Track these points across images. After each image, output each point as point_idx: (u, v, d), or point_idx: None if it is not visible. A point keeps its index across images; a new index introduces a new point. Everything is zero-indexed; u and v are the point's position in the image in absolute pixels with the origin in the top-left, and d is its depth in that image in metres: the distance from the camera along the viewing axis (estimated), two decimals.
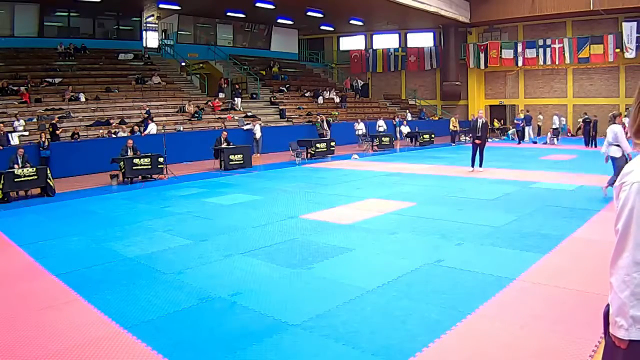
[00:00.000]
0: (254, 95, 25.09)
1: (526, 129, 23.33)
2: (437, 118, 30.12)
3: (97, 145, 15.62)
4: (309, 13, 25.52)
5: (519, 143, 22.52)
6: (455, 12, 26.53)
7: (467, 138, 22.39)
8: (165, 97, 21.38)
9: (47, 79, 19.21)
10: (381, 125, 23.94)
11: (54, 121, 16.04)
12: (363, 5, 25.55)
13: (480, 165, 13.12)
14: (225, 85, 24.51)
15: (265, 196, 10.37)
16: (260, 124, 20.44)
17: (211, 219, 8.32)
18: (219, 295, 4.76)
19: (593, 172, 12.31)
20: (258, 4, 22.84)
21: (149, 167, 13.32)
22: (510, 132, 25.49)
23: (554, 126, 21.71)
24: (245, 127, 20.05)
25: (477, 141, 13.12)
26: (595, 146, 19.68)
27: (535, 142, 22.70)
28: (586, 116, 21.02)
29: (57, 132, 15.62)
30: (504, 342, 3.68)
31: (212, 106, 21.96)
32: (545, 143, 21.83)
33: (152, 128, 17.39)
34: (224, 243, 6.70)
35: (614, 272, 1.76)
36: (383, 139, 21.11)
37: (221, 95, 23.71)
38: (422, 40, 32.31)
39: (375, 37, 33.87)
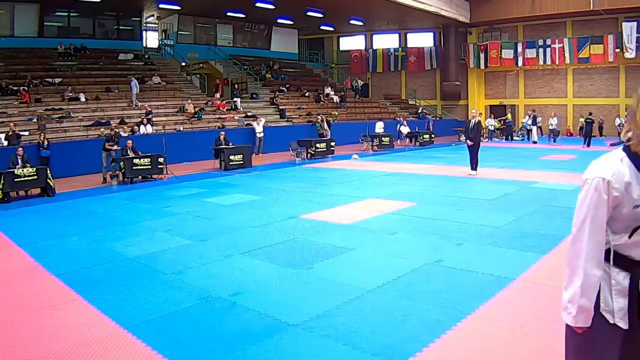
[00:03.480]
0: (254, 95, 25.09)
1: (533, 129, 23.44)
2: (437, 118, 30.11)
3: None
4: (309, 13, 25.51)
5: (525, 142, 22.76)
6: (455, 12, 26.52)
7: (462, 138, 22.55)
8: (165, 97, 21.38)
9: (47, 79, 19.21)
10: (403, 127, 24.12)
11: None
12: (363, 5, 25.54)
13: (474, 168, 12.62)
14: (220, 84, 24.52)
15: (265, 196, 10.37)
16: (263, 122, 20.30)
17: (211, 219, 8.32)
18: (219, 295, 4.76)
19: None
20: (258, 4, 22.83)
21: (149, 167, 13.31)
22: (519, 132, 25.78)
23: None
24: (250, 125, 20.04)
25: (469, 142, 12.60)
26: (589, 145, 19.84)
27: (535, 142, 22.74)
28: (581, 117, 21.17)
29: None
30: (504, 342, 3.68)
31: (216, 106, 21.92)
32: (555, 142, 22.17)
33: (144, 128, 17.46)
34: (224, 243, 6.70)
35: (568, 263, 1.91)
36: (383, 139, 21.11)
37: (217, 95, 23.69)
38: (422, 40, 32.30)
39: (375, 37, 33.87)
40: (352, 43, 34.58)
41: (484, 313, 4.17)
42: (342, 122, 25.06)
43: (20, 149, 11.93)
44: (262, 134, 19.73)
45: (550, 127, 22.81)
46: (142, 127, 17.48)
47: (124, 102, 19.66)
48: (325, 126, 21.95)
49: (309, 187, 11.42)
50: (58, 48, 21.08)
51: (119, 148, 13.51)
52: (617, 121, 21.51)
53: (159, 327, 4.10)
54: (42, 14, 21.59)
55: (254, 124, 19.91)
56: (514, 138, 25.38)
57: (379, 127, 23.23)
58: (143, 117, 18.20)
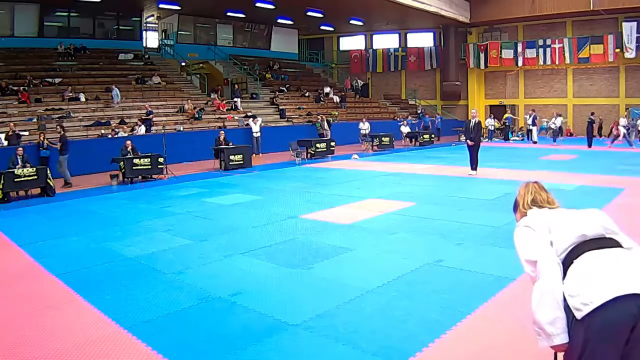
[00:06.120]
0: (254, 95, 25.09)
1: (533, 129, 23.46)
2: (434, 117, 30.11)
3: (97, 145, 15.61)
4: (309, 13, 25.52)
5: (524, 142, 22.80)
6: (455, 12, 26.52)
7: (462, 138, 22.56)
8: (165, 97, 21.38)
9: (47, 79, 19.21)
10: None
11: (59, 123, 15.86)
12: (363, 5, 25.54)
13: (474, 168, 12.58)
14: (220, 89, 24.52)
15: (265, 196, 10.37)
16: (260, 122, 20.29)
17: (211, 219, 8.32)
18: (219, 295, 4.76)
19: (593, 172, 12.31)
20: (258, 4, 22.84)
21: (149, 167, 13.31)
22: (518, 132, 25.82)
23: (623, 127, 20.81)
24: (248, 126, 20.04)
25: (469, 142, 12.54)
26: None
27: (535, 142, 22.74)
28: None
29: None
30: (504, 342, 3.68)
31: (216, 106, 21.90)
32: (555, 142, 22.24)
33: (140, 129, 17.47)
34: (224, 243, 6.69)
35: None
36: (383, 139, 21.11)
37: (212, 95, 23.70)
38: (422, 40, 32.31)
39: (375, 37, 33.88)
40: (352, 43, 34.59)
41: (484, 313, 4.17)
42: (342, 122, 25.06)
43: (20, 149, 11.92)
44: (258, 134, 19.72)
45: (553, 127, 22.86)
46: (136, 128, 17.48)
47: (124, 102, 19.66)
48: (326, 126, 21.93)
49: (309, 187, 11.42)
50: (58, 48, 21.08)
51: (56, 145, 13.11)
52: (622, 122, 21.18)
53: (158, 327, 4.10)
54: (42, 14, 21.60)
55: (251, 123, 19.90)
56: (513, 138, 25.38)
57: (363, 129, 21.95)
58: (138, 117, 18.21)
